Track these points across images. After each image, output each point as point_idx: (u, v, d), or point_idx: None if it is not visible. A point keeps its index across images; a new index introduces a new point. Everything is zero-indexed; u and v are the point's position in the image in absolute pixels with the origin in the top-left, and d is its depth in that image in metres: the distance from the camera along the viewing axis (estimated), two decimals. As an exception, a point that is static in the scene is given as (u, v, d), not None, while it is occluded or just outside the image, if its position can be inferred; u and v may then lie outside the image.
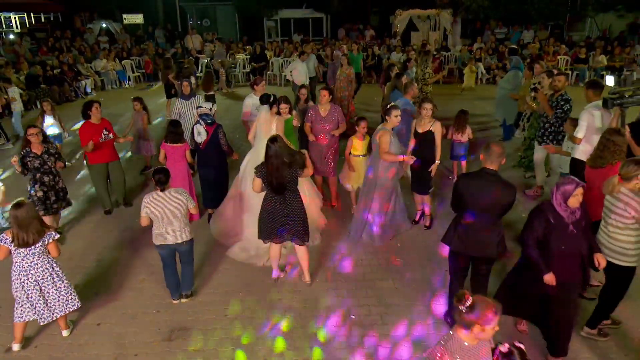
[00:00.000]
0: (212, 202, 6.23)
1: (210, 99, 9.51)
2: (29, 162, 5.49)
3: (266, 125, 5.67)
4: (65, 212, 6.33)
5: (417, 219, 6.21)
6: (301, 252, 4.86)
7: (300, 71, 11.19)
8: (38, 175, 5.56)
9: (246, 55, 17.29)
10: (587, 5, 19.08)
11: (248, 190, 5.64)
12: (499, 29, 19.62)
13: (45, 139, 5.71)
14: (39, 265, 4.02)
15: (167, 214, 4.36)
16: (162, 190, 4.39)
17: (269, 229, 4.69)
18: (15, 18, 24.49)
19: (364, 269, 5.26)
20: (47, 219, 5.63)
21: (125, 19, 21.09)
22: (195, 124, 6.00)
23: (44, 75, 13.61)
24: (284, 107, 6.22)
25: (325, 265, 5.33)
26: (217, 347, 4.15)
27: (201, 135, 5.93)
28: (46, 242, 4.03)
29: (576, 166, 5.43)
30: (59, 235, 4.19)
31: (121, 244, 5.91)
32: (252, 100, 7.14)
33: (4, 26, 23.88)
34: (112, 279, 5.18)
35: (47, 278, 4.05)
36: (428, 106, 5.74)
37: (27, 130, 5.51)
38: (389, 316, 4.49)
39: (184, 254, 4.63)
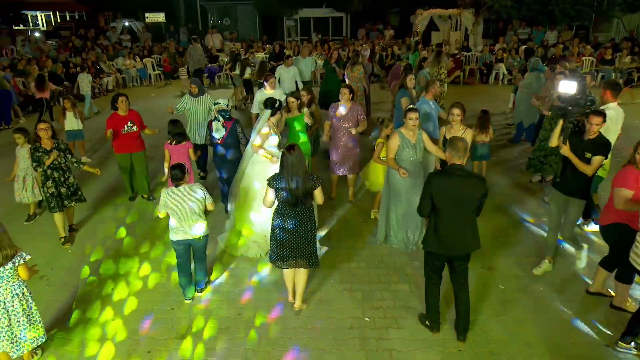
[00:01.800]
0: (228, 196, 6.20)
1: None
2: (39, 158, 5.39)
3: (260, 127, 5.60)
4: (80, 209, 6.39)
5: None
6: (301, 274, 4.42)
7: (285, 79, 10.04)
8: (49, 171, 5.51)
9: (266, 54, 17.34)
10: (614, 5, 18.57)
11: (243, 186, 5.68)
12: (522, 29, 19.25)
13: (55, 134, 5.62)
14: (9, 291, 3.62)
15: (184, 209, 4.36)
16: (176, 186, 4.40)
17: (281, 251, 4.28)
18: (41, 16, 25.07)
19: (379, 271, 5.19)
20: (60, 215, 5.67)
21: (147, 17, 21.41)
22: (214, 120, 6.02)
23: (66, 73, 13.86)
24: (291, 100, 6.25)
25: (340, 267, 5.28)
26: (229, 347, 4.13)
27: (219, 131, 5.96)
28: (16, 264, 3.61)
29: None
30: (30, 257, 3.70)
31: (137, 241, 5.94)
32: (260, 96, 7.21)
33: (30, 24, 24.45)
34: (127, 276, 5.22)
35: (16, 305, 3.66)
36: (456, 111, 5.51)
37: (37, 125, 5.53)
38: (404, 319, 4.41)
39: (198, 250, 4.65)
